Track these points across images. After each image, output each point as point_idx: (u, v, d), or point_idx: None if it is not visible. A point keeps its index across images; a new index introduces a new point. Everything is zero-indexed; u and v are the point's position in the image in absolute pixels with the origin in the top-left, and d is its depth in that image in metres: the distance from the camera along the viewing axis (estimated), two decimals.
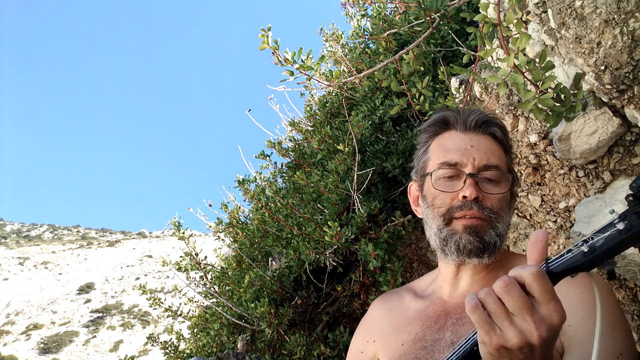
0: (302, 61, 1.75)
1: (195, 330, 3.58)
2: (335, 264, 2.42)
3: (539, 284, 0.66)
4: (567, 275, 0.71)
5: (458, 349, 0.78)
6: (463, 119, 1.13)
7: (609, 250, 0.68)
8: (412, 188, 1.23)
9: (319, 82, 1.88)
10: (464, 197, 1.03)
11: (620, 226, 0.67)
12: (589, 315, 0.90)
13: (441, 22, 1.98)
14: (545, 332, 0.66)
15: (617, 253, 0.68)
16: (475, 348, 0.75)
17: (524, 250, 2.14)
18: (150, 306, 3.49)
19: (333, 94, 3.76)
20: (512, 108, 1.84)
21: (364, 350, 1.24)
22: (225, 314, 2.72)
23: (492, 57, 1.93)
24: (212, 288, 3.23)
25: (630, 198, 0.67)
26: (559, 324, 0.67)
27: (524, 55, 1.33)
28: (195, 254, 3.27)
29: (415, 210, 1.22)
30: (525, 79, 1.22)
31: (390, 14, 3.61)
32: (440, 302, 1.14)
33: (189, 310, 3.89)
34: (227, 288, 3.36)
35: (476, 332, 0.76)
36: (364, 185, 2.52)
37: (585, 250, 0.69)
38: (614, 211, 0.70)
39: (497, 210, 1.05)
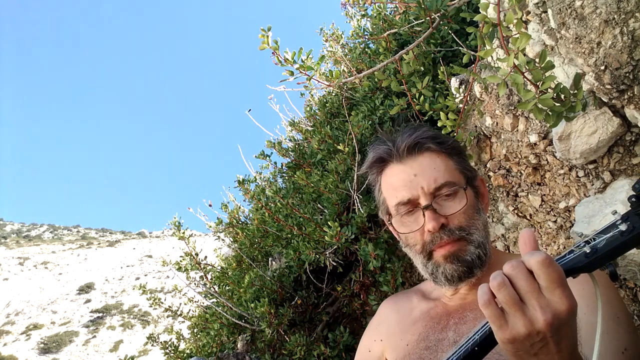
0: (302, 61, 1.75)
1: (195, 330, 3.58)
2: (335, 264, 2.42)
3: (544, 272, 0.66)
4: (569, 276, 0.70)
5: (458, 350, 0.78)
6: (395, 149, 1.11)
7: (611, 251, 0.68)
8: (387, 223, 1.22)
9: (319, 82, 1.88)
10: (429, 231, 1.03)
11: (623, 227, 0.67)
12: (592, 310, 0.90)
13: (441, 22, 1.98)
14: (551, 318, 0.65)
15: (619, 254, 0.68)
16: (476, 348, 0.75)
17: None
18: (150, 306, 3.49)
19: (333, 94, 3.76)
20: (512, 108, 1.84)
21: (372, 350, 1.26)
22: (225, 314, 2.72)
23: (492, 57, 1.93)
24: (212, 288, 3.23)
25: (633, 199, 0.67)
26: (568, 311, 0.66)
27: (524, 55, 1.33)
28: (195, 254, 3.27)
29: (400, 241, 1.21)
30: (525, 79, 1.22)
31: (390, 14, 3.61)
32: (442, 304, 1.16)
33: (189, 310, 3.89)
34: (227, 288, 3.36)
35: (477, 332, 0.76)
36: (364, 185, 2.52)
37: (588, 251, 0.69)
38: (616, 212, 0.70)
39: (466, 225, 1.05)
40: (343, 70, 3.84)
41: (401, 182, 1.08)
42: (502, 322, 0.68)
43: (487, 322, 0.74)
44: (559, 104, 1.23)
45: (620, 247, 0.67)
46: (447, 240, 1.03)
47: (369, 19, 3.96)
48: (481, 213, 1.10)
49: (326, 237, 2.25)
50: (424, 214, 1.04)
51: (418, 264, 1.11)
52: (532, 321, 0.66)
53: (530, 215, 1.99)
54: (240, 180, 3.17)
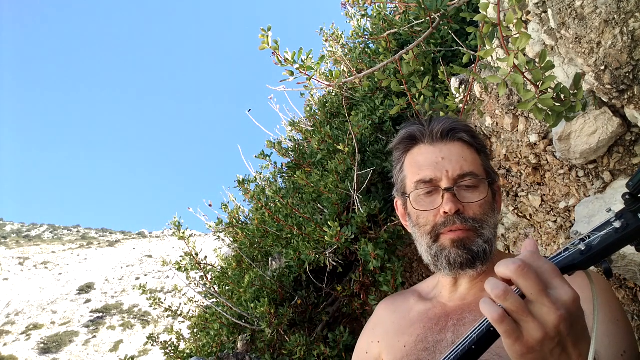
0: (302, 61, 1.75)
1: (195, 330, 3.58)
2: (335, 264, 2.42)
3: (540, 264, 0.66)
4: (565, 274, 0.71)
5: (456, 348, 0.78)
6: (429, 130, 1.12)
7: (606, 248, 0.68)
8: (398, 204, 1.23)
9: (319, 82, 1.88)
10: (445, 212, 1.04)
11: (617, 224, 0.68)
12: (591, 314, 0.90)
13: (441, 22, 1.98)
14: (564, 310, 0.64)
15: (614, 251, 0.69)
16: (473, 347, 0.75)
17: None
18: (150, 306, 3.49)
19: (333, 94, 3.76)
20: (512, 108, 1.84)
21: (369, 351, 1.25)
22: (225, 314, 2.72)
23: (492, 57, 1.93)
24: (212, 288, 3.23)
25: (627, 196, 0.68)
26: (574, 299, 0.65)
27: (524, 55, 1.33)
28: (195, 254, 3.27)
29: (405, 225, 1.22)
30: (525, 79, 1.22)
31: (390, 14, 3.61)
32: (440, 305, 1.15)
33: (189, 310, 3.89)
34: (227, 288, 3.36)
35: (474, 331, 0.75)
36: (364, 185, 2.52)
37: (583, 249, 0.70)
38: (610, 209, 0.71)
39: (481, 217, 1.05)
40: (343, 70, 3.84)
41: (427, 161, 1.10)
42: (518, 334, 0.65)
43: (485, 320, 0.73)
44: (559, 104, 1.23)
45: (615, 244, 0.68)
46: (458, 225, 1.03)
47: (369, 19, 3.96)
48: (495, 213, 1.11)
49: (326, 237, 2.25)
50: (443, 196, 1.05)
51: (422, 246, 1.10)
52: (544, 321, 0.64)
53: (530, 215, 1.99)
54: (240, 180, 3.17)
